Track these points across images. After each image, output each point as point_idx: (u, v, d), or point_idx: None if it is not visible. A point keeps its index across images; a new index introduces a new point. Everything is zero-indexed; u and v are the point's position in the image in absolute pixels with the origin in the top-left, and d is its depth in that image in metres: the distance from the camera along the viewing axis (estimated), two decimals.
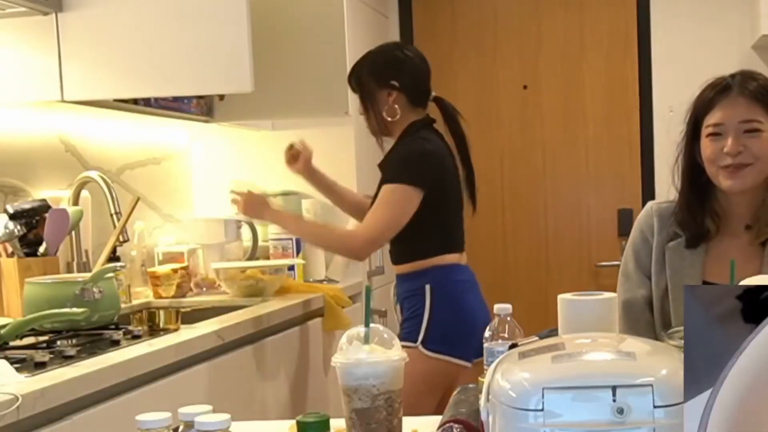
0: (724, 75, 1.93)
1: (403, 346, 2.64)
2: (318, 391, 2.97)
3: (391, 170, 2.62)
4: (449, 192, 2.72)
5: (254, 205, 2.70)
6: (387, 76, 2.70)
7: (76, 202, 2.65)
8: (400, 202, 2.58)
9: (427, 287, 2.63)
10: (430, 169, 2.62)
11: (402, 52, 2.76)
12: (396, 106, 2.69)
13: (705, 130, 1.90)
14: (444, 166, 2.69)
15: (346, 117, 3.37)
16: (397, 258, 2.73)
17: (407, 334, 2.62)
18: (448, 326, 2.61)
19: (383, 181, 2.63)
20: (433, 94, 2.79)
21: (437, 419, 1.38)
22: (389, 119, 2.69)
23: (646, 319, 1.97)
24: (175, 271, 3.00)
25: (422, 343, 2.59)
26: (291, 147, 2.88)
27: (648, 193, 4.05)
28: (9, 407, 1.52)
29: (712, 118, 1.88)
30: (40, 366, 1.81)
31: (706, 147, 1.89)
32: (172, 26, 2.49)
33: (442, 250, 2.68)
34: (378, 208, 2.58)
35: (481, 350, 2.73)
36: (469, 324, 2.60)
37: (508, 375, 1.01)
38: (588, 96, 4.15)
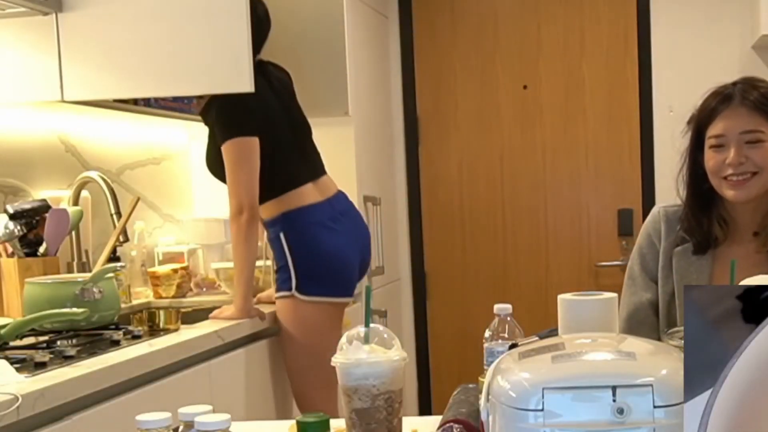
0: (727, 83, 1.93)
1: (281, 297, 2.60)
2: None
3: (219, 129, 2.60)
4: (276, 129, 2.68)
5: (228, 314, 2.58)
6: None
7: (76, 202, 2.65)
8: (243, 155, 2.56)
9: (282, 235, 2.64)
10: (252, 113, 2.60)
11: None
12: None
13: (708, 141, 1.90)
14: (265, 105, 2.65)
15: (346, 117, 3.38)
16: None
17: (281, 285, 2.65)
18: (314, 270, 2.64)
19: (219, 142, 2.59)
20: (259, 57, 2.72)
21: (437, 419, 1.38)
22: None
23: (650, 323, 1.98)
24: (175, 271, 3.00)
25: (297, 290, 2.62)
26: None
27: (648, 193, 4.05)
28: (9, 407, 1.52)
29: (714, 129, 1.88)
30: (40, 366, 1.81)
31: (710, 158, 1.90)
32: (172, 26, 2.49)
33: (286, 188, 2.66)
34: (229, 175, 2.58)
35: (355, 282, 2.76)
36: (334, 263, 2.66)
37: (508, 375, 1.01)
38: (588, 96, 4.15)
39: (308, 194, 2.70)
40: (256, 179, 2.58)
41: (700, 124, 1.93)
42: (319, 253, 2.66)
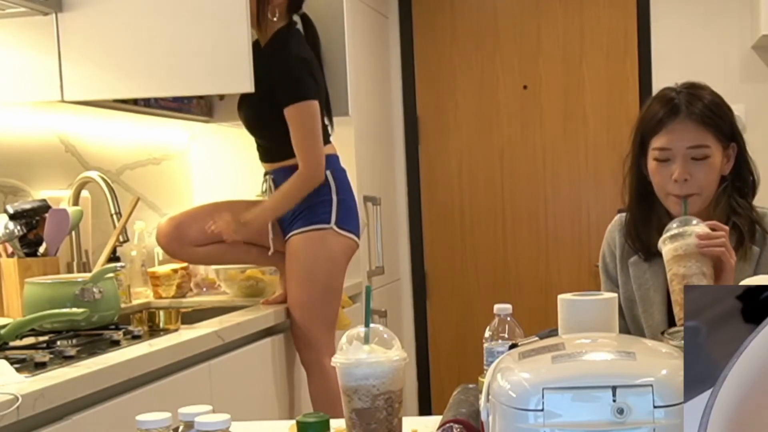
0: (669, 88, 1.92)
1: (315, 229, 2.74)
2: None
3: (286, 91, 2.71)
4: (322, 88, 2.87)
5: (233, 227, 2.74)
6: None
7: (76, 202, 2.65)
8: (310, 118, 2.71)
9: (329, 173, 2.80)
10: (314, 76, 2.77)
11: None
12: (277, 9, 2.78)
13: (652, 153, 1.90)
14: (317, 68, 2.86)
15: (346, 117, 3.37)
16: (282, 153, 2.81)
17: (316, 218, 2.77)
18: (350, 208, 2.84)
19: (282, 104, 2.70)
20: (303, 9, 2.91)
21: (437, 419, 1.38)
22: (270, 17, 2.78)
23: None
24: (175, 271, 3.00)
25: (335, 223, 2.77)
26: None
27: None
28: (9, 407, 1.52)
29: (659, 141, 1.88)
30: (40, 366, 1.81)
31: (655, 171, 1.90)
32: (173, 26, 2.49)
33: (326, 140, 2.85)
34: (304, 137, 2.71)
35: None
36: (356, 207, 2.90)
37: (508, 375, 1.01)
38: (588, 96, 4.15)
39: (334, 147, 2.93)
40: (320, 139, 2.76)
41: (643, 133, 1.93)
42: (352, 195, 2.88)
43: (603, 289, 2.04)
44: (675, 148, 1.86)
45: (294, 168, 2.77)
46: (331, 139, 2.91)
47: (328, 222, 2.77)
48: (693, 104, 1.87)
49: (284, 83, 2.70)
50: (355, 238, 2.84)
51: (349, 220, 2.81)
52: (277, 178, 2.83)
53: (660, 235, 1.88)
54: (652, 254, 1.94)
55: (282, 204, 2.75)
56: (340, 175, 2.84)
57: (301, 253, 2.76)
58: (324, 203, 2.78)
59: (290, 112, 2.69)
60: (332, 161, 2.84)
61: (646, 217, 1.96)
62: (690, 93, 1.89)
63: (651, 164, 1.91)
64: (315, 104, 2.72)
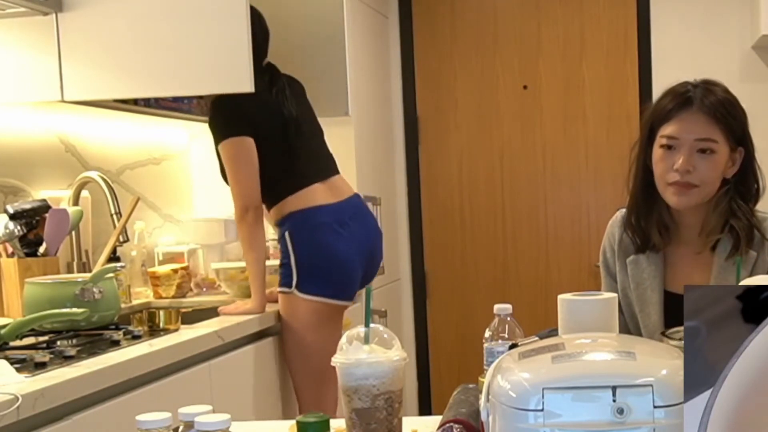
0: (685, 82, 1.92)
1: (282, 292, 2.64)
2: None
3: (213, 131, 2.69)
4: (275, 130, 2.70)
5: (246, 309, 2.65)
6: None
7: (76, 202, 2.65)
8: (237, 155, 2.64)
9: (287, 234, 2.68)
10: (245, 114, 2.65)
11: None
12: None
13: (659, 140, 1.90)
14: (262, 107, 2.68)
15: (346, 117, 3.38)
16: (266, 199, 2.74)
17: (283, 281, 2.69)
18: (314, 270, 2.67)
19: (215, 145, 2.68)
20: (267, 60, 2.79)
21: (437, 419, 1.38)
22: None
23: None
24: (175, 271, 3.00)
25: (296, 287, 2.66)
26: None
27: None
28: (9, 407, 1.52)
29: (668, 129, 1.88)
30: (40, 366, 1.81)
31: (658, 159, 1.90)
32: (172, 26, 2.49)
33: (292, 189, 2.69)
34: (229, 177, 2.66)
35: (356, 287, 2.79)
36: (336, 267, 2.69)
37: (508, 375, 1.01)
38: (588, 96, 4.15)
39: (316, 195, 2.72)
40: (256, 178, 2.64)
41: (654, 121, 1.93)
42: (322, 255, 2.69)
43: (603, 285, 2.04)
44: (682, 138, 1.86)
45: (279, 222, 2.71)
46: (314, 188, 2.71)
47: (290, 286, 2.66)
48: (706, 98, 1.87)
49: (212, 125, 2.69)
50: (326, 300, 2.67)
51: (315, 283, 2.65)
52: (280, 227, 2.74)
53: (659, 230, 1.87)
54: (644, 248, 1.94)
55: (251, 263, 2.64)
56: (303, 235, 2.66)
57: (281, 313, 2.71)
58: (285, 266, 2.68)
59: (220, 152, 2.67)
60: (293, 219, 2.67)
61: (648, 208, 1.95)
62: (706, 88, 1.89)
63: (656, 152, 1.90)
64: (235, 141, 2.62)
